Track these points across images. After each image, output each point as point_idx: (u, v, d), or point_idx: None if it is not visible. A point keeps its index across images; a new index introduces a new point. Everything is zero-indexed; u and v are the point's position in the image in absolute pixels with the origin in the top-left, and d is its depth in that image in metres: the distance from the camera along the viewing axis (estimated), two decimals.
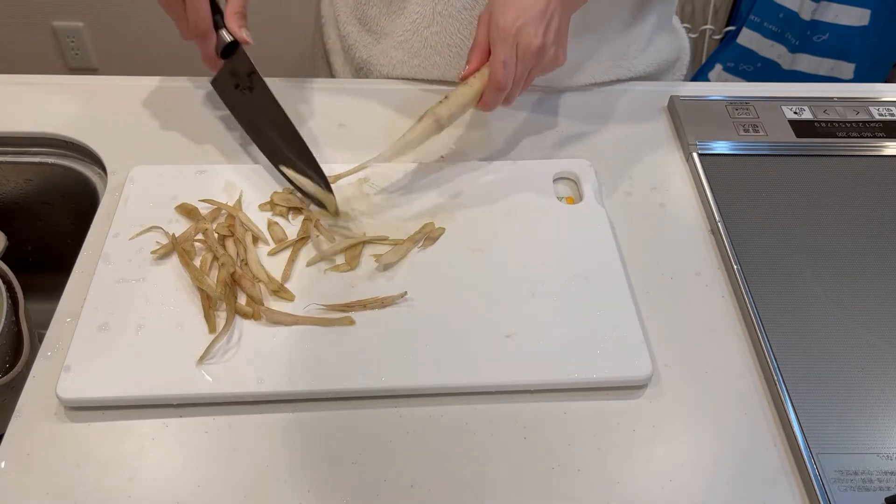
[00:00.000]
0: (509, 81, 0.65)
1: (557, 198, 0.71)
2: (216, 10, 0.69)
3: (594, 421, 0.56)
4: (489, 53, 0.66)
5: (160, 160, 0.72)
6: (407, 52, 0.81)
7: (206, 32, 0.69)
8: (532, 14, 0.64)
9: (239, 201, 0.68)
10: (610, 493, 0.52)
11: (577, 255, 0.65)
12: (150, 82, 0.82)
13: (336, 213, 0.67)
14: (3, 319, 0.64)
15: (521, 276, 0.63)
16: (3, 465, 0.52)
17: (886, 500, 0.51)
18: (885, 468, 0.53)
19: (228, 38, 0.71)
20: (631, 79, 0.86)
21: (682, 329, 0.62)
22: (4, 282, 0.68)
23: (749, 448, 0.55)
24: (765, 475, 0.53)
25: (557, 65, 0.68)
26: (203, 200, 0.67)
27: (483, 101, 0.67)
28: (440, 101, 0.67)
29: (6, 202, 0.80)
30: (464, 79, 0.67)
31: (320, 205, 0.67)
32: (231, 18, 0.70)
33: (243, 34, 0.71)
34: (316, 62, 0.96)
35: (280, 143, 0.70)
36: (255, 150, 0.75)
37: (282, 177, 0.69)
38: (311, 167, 0.68)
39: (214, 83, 0.74)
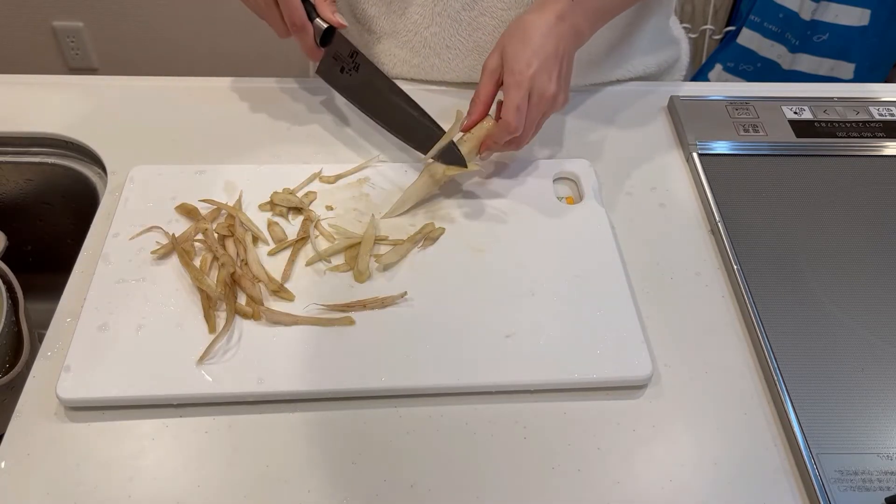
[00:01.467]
0: (521, 127, 0.66)
1: (557, 198, 0.71)
2: (305, 2, 0.71)
3: (594, 421, 0.56)
4: (489, 104, 0.68)
5: (160, 160, 0.72)
6: (408, 52, 0.81)
7: (303, 24, 0.70)
8: (545, 57, 0.65)
9: (239, 201, 0.68)
10: (610, 493, 0.52)
11: (578, 255, 0.65)
12: (150, 82, 0.82)
13: (465, 166, 0.68)
14: (3, 319, 0.64)
15: (521, 276, 0.63)
16: (3, 465, 0.52)
17: (886, 500, 0.51)
18: (885, 468, 0.53)
19: (325, 25, 0.71)
20: (631, 79, 0.86)
21: (682, 329, 0.62)
22: (4, 282, 0.68)
23: (749, 448, 0.55)
24: (765, 475, 0.53)
25: (563, 107, 0.69)
26: (203, 200, 0.67)
27: (486, 145, 0.68)
28: (434, 158, 0.69)
29: (6, 202, 0.80)
30: (466, 130, 0.68)
31: (454, 161, 0.68)
32: (323, 6, 0.72)
33: (338, 18, 0.72)
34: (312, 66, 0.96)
35: (399, 112, 0.72)
36: (256, 149, 0.75)
37: (279, 178, 0.70)
38: (430, 132, 0.69)
39: (320, 72, 0.75)
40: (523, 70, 0.64)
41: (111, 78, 0.83)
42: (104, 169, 0.73)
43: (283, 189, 0.69)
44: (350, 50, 0.73)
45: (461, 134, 0.69)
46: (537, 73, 0.64)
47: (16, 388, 0.58)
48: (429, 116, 0.70)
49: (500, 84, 0.68)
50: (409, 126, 0.71)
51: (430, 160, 0.69)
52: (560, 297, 0.62)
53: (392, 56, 0.82)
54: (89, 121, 0.77)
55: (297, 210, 0.68)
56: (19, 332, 0.67)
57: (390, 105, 0.72)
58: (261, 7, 0.71)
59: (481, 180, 0.72)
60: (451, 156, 0.68)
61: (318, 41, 0.72)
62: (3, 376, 0.63)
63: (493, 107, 0.68)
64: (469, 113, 0.68)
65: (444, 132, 0.68)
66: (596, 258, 0.65)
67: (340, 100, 0.81)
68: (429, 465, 0.53)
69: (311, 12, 0.71)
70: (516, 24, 0.67)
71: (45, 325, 0.60)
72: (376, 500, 0.51)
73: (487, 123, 0.68)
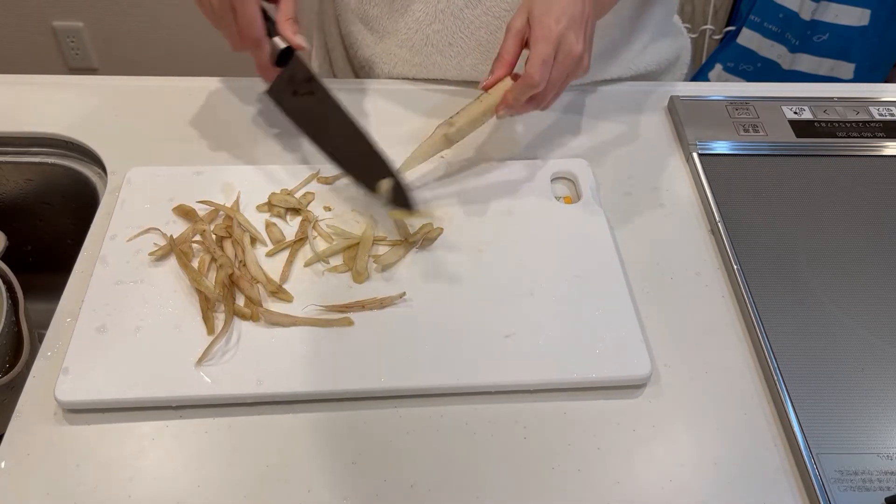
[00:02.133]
0: (544, 82, 0.64)
1: (555, 197, 0.71)
2: (266, 18, 0.68)
3: (594, 421, 0.56)
4: (514, 64, 0.66)
5: (160, 160, 0.72)
6: (409, 51, 0.81)
7: (259, 40, 0.66)
8: (573, 17, 0.63)
9: (237, 202, 0.68)
10: (610, 493, 0.52)
11: (576, 255, 0.65)
12: (150, 82, 0.82)
13: (410, 212, 0.65)
14: (3, 319, 0.64)
15: (520, 276, 0.63)
16: (3, 465, 0.52)
17: (886, 500, 0.51)
18: (885, 468, 0.53)
19: (283, 45, 0.68)
20: (631, 77, 0.86)
21: (682, 329, 0.62)
22: (4, 282, 0.68)
23: (749, 448, 0.55)
24: (765, 475, 0.53)
25: (585, 72, 0.67)
26: (201, 202, 0.67)
27: (505, 101, 0.65)
28: (451, 117, 0.67)
29: (6, 202, 0.80)
30: (486, 88, 0.67)
31: (402, 204, 0.66)
32: (284, 25, 0.68)
33: (298, 39, 0.69)
34: (314, 61, 0.96)
35: (346, 147, 0.69)
36: (254, 150, 0.75)
37: (277, 179, 0.70)
38: (381, 170, 0.66)
39: (270, 92, 0.71)
40: (552, 25, 0.62)
41: (111, 78, 0.83)
42: (104, 169, 0.73)
43: (282, 190, 0.69)
44: (307, 75, 0.70)
45: (480, 93, 0.67)
46: (566, 29, 0.62)
47: (16, 388, 0.58)
48: (379, 152, 0.67)
49: (523, 45, 0.66)
50: (355, 160, 0.68)
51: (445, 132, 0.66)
52: (559, 296, 0.62)
53: (393, 55, 0.82)
54: (89, 121, 0.77)
55: (296, 211, 0.68)
56: (19, 332, 0.67)
57: (339, 137, 0.69)
58: (215, 13, 0.66)
59: (479, 180, 0.72)
60: (402, 200, 0.65)
61: (274, 60, 0.69)
62: (3, 376, 0.63)
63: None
64: (491, 71, 0.66)
65: (394, 169, 0.66)
66: (594, 258, 0.65)
67: (342, 99, 0.81)
68: (429, 465, 0.53)
69: (272, 29, 0.68)
70: None
71: (45, 325, 0.60)
72: (376, 500, 0.51)
73: (507, 85, 0.66)
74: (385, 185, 0.65)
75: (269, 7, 0.69)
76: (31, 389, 0.56)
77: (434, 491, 0.52)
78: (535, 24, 0.63)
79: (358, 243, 0.64)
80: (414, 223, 0.66)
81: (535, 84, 0.63)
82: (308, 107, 0.70)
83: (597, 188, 0.72)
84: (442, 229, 0.66)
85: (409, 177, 0.71)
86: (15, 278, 0.69)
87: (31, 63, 2.01)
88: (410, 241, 0.65)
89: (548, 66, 0.63)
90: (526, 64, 0.64)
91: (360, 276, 0.62)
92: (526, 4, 0.65)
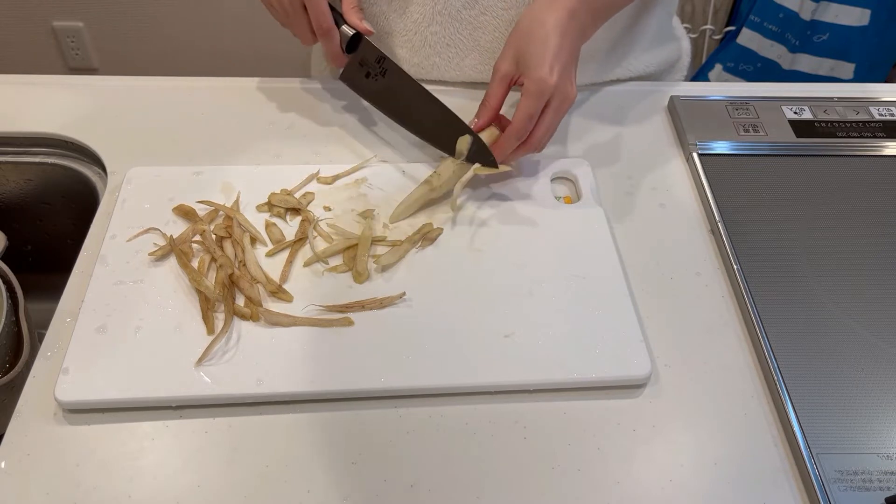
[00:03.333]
0: (526, 133, 0.66)
1: (555, 197, 0.71)
2: (332, 10, 0.71)
3: (594, 421, 0.56)
4: (498, 109, 0.68)
5: (160, 160, 0.73)
6: (408, 52, 0.81)
7: (330, 29, 0.71)
8: (565, 61, 0.64)
9: (236, 202, 0.68)
10: (610, 493, 0.52)
11: (576, 255, 0.65)
12: (150, 82, 0.82)
13: (496, 167, 0.68)
14: (3, 319, 0.64)
15: (520, 276, 0.63)
16: (3, 465, 0.52)
17: (886, 500, 0.51)
18: (885, 468, 0.53)
19: (351, 32, 0.72)
20: (631, 78, 0.86)
21: (682, 329, 0.62)
22: (4, 282, 0.68)
23: (749, 448, 0.55)
24: (765, 475, 0.53)
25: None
26: (200, 202, 0.67)
27: (496, 152, 0.68)
28: (435, 169, 0.69)
29: (6, 202, 0.80)
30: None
31: (485, 162, 0.68)
32: (350, 13, 0.73)
33: (365, 25, 0.73)
34: (314, 61, 0.96)
35: (425, 115, 0.72)
36: (254, 150, 0.75)
37: (277, 179, 0.70)
38: (460, 131, 0.69)
39: (343, 77, 0.75)
40: (547, 78, 0.63)
41: (111, 78, 0.83)
42: (104, 169, 0.73)
43: (281, 190, 0.69)
44: (377, 55, 0.73)
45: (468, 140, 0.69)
46: (560, 79, 0.64)
47: (16, 388, 0.58)
48: (456, 117, 0.70)
49: (509, 88, 0.68)
50: (437, 129, 0.71)
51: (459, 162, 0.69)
52: (559, 296, 0.62)
53: (392, 56, 0.82)
54: (89, 121, 0.77)
55: (295, 211, 0.68)
56: (19, 332, 0.67)
57: (416, 108, 0.72)
58: (287, 12, 0.71)
59: (478, 179, 0.72)
60: (483, 156, 0.68)
61: (343, 48, 0.73)
62: (3, 376, 0.63)
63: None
64: (477, 116, 0.69)
65: (471, 130, 0.69)
66: (594, 257, 0.65)
67: (339, 101, 0.81)
68: (429, 465, 0.53)
69: (338, 19, 0.72)
70: (529, 22, 0.66)
71: (45, 325, 0.60)
72: (376, 500, 0.51)
73: (494, 133, 0.69)
74: (463, 142, 0.68)
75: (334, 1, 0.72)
76: (31, 389, 0.56)
77: (434, 491, 0.52)
78: (529, 76, 0.65)
79: (357, 243, 0.64)
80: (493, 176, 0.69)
81: (520, 136, 0.66)
82: (382, 86, 0.74)
83: (597, 188, 0.72)
84: (441, 229, 0.66)
85: (406, 176, 0.71)
86: (15, 278, 0.69)
87: (31, 63, 2.01)
88: (410, 242, 0.65)
89: (533, 120, 0.65)
90: (515, 115, 0.66)
91: (360, 277, 0.62)
92: (513, 43, 0.67)
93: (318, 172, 0.71)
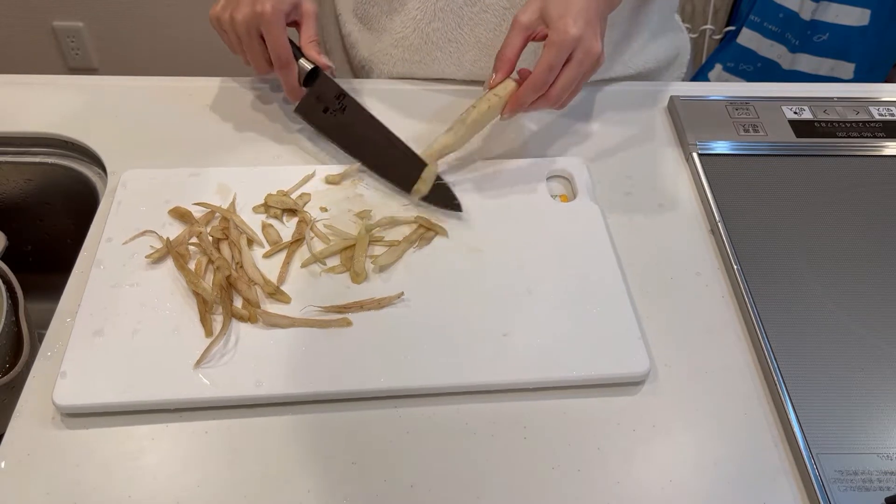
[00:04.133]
0: (547, 86, 0.64)
1: (551, 196, 0.71)
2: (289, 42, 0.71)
3: (594, 421, 0.56)
4: (515, 62, 0.65)
5: (160, 160, 0.72)
6: (407, 50, 0.81)
7: (289, 62, 0.70)
8: (589, 18, 0.63)
9: (233, 204, 0.67)
10: (610, 493, 0.52)
11: (572, 253, 0.65)
12: (150, 82, 0.82)
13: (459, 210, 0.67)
14: (3, 319, 0.64)
15: (517, 275, 0.63)
16: (3, 465, 0.52)
17: (886, 500, 0.51)
18: (885, 468, 0.53)
19: (309, 66, 0.72)
20: (631, 76, 0.86)
21: (683, 329, 0.62)
22: (4, 282, 0.68)
23: (749, 448, 0.55)
24: (765, 475, 0.53)
25: (600, 66, 0.66)
26: (197, 204, 0.67)
27: (511, 105, 0.66)
28: (462, 114, 0.68)
29: (6, 202, 0.80)
30: (491, 87, 0.67)
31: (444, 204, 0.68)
32: (308, 47, 0.72)
33: (324, 59, 0.72)
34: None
35: (383, 154, 0.71)
36: (254, 151, 0.75)
37: (274, 180, 0.70)
38: (420, 170, 0.68)
39: (299, 110, 0.74)
40: (570, 28, 0.62)
41: (111, 78, 0.83)
42: (104, 169, 0.73)
43: (277, 191, 0.69)
44: (337, 91, 0.73)
45: (485, 91, 0.67)
46: (584, 31, 0.62)
47: (16, 388, 0.58)
48: (413, 154, 0.70)
49: (528, 41, 0.66)
50: (392, 164, 0.70)
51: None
52: (556, 294, 0.62)
53: (392, 56, 0.82)
54: (89, 121, 0.77)
55: (292, 212, 0.68)
56: (19, 332, 0.67)
57: (375, 146, 0.72)
58: (241, 40, 0.70)
59: (475, 179, 0.72)
60: (442, 197, 0.68)
61: (301, 81, 0.72)
62: (3, 376, 0.63)
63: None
64: (494, 68, 0.66)
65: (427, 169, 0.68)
66: (591, 255, 0.65)
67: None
68: (429, 465, 0.53)
69: (295, 52, 0.71)
70: None
71: (45, 325, 0.60)
72: (376, 500, 0.51)
73: (510, 85, 0.66)
74: (422, 187, 0.67)
75: (291, 31, 0.72)
76: (31, 390, 0.56)
77: (434, 491, 0.52)
78: (553, 26, 0.63)
79: (355, 244, 0.64)
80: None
81: (539, 88, 0.64)
82: (340, 122, 0.73)
83: (593, 186, 0.72)
84: (444, 229, 0.66)
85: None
86: (15, 278, 0.69)
87: (31, 63, 2.01)
88: (408, 241, 0.65)
89: (554, 72, 0.63)
90: (535, 65, 0.64)
91: (358, 277, 0.62)
92: (537, 1, 0.65)
93: (313, 174, 0.71)
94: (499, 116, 0.68)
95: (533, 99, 0.65)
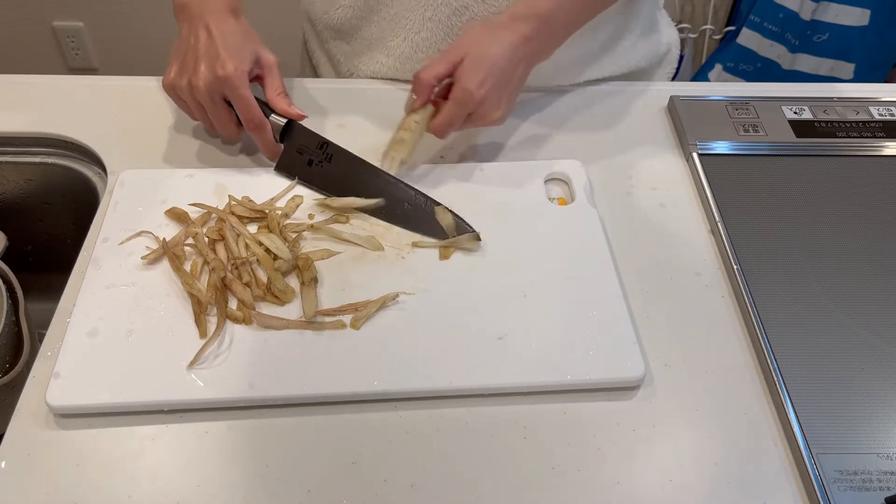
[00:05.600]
0: (445, 135, 0.68)
1: (549, 198, 0.71)
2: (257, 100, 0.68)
3: (594, 421, 0.56)
4: (432, 90, 0.67)
5: (160, 160, 0.72)
6: (397, 59, 0.81)
7: (262, 123, 0.67)
8: (498, 81, 0.65)
9: (228, 204, 0.67)
10: (610, 493, 0.52)
11: (569, 256, 0.65)
12: (150, 82, 0.82)
13: (474, 244, 0.65)
14: (3, 319, 0.64)
15: (513, 278, 0.63)
16: (3, 465, 0.52)
17: (886, 500, 0.51)
18: (885, 468, 0.53)
19: (283, 121, 0.69)
20: (623, 74, 0.86)
21: (682, 329, 0.62)
22: (4, 282, 0.68)
23: (749, 448, 0.55)
24: (765, 475, 0.53)
25: (498, 125, 0.69)
26: (193, 204, 0.67)
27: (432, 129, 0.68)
28: (396, 137, 0.69)
29: (6, 202, 0.80)
30: (410, 111, 0.68)
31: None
32: (277, 100, 0.69)
33: (295, 110, 0.69)
34: (305, 73, 0.96)
35: (386, 199, 0.68)
36: (253, 150, 0.75)
37: (272, 181, 0.70)
38: (428, 208, 0.67)
39: (280, 168, 0.70)
40: (474, 91, 0.64)
41: (111, 78, 0.83)
42: (104, 169, 0.73)
43: (243, 197, 0.68)
44: (318, 141, 0.70)
45: (406, 113, 0.69)
46: (487, 96, 0.64)
47: (16, 388, 0.58)
48: (421, 193, 0.68)
49: (448, 75, 0.67)
50: (402, 209, 0.67)
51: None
52: (552, 298, 0.62)
53: (380, 64, 0.82)
54: (89, 121, 0.77)
55: (260, 218, 0.66)
56: (19, 332, 0.67)
57: (375, 192, 0.68)
58: (208, 108, 0.67)
59: (473, 181, 0.71)
60: (464, 228, 0.66)
61: (278, 137, 0.70)
62: (3, 376, 0.63)
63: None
64: (416, 91, 0.67)
65: (440, 206, 0.67)
66: (587, 259, 0.65)
67: (339, 100, 0.81)
68: (429, 465, 0.53)
69: (264, 109, 0.68)
70: (485, 32, 0.66)
71: (45, 325, 0.60)
72: (376, 500, 0.51)
73: (430, 108, 0.68)
74: (446, 219, 0.66)
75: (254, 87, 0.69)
76: (31, 389, 0.56)
77: (434, 491, 0.52)
78: (458, 85, 0.65)
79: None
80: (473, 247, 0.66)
81: (437, 134, 0.67)
82: (330, 172, 0.69)
83: (591, 189, 0.72)
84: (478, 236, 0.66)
85: (399, 178, 0.71)
86: (15, 278, 0.69)
87: (31, 63, 2.01)
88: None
89: (453, 127, 0.66)
90: (438, 114, 0.67)
91: (284, 296, 0.60)
92: (465, 42, 0.66)
93: (296, 180, 0.70)
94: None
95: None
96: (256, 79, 0.70)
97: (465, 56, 0.65)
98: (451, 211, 0.67)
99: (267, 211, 0.66)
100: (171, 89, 0.68)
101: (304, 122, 0.71)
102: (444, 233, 0.66)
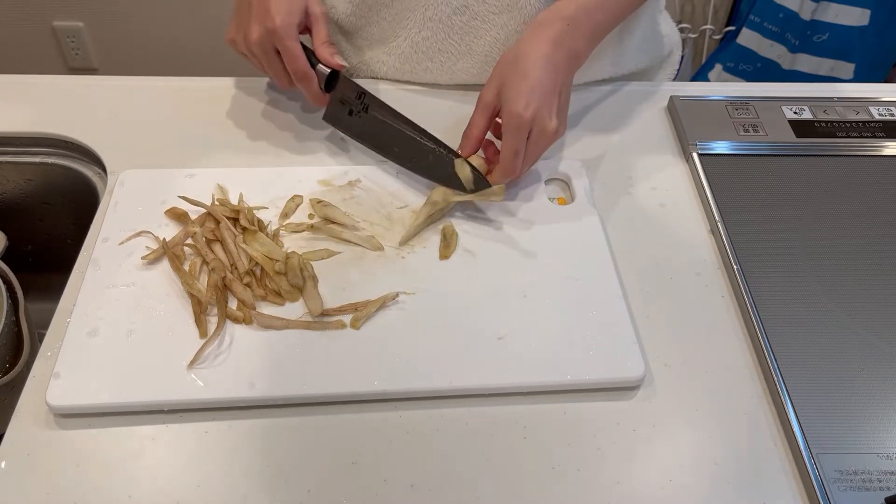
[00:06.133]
0: (518, 169, 0.66)
1: (549, 199, 0.71)
2: (305, 49, 0.70)
3: (594, 421, 0.56)
4: (482, 140, 0.67)
5: (160, 160, 0.72)
6: (398, 58, 0.81)
7: (307, 72, 0.70)
8: (543, 94, 0.64)
9: (223, 201, 0.67)
10: (610, 493, 0.52)
11: (569, 256, 0.65)
12: (150, 82, 0.82)
13: (499, 195, 0.66)
14: (3, 319, 0.64)
15: (513, 278, 0.63)
16: (3, 465, 0.52)
17: (886, 500, 0.51)
18: (885, 468, 0.53)
19: (327, 70, 0.71)
20: (625, 75, 0.86)
21: (682, 329, 0.62)
22: (4, 282, 0.68)
23: (749, 448, 0.55)
24: (765, 475, 0.53)
25: (560, 136, 0.68)
26: (182, 197, 0.66)
27: (492, 180, 0.67)
28: (431, 193, 0.68)
29: (6, 202, 0.80)
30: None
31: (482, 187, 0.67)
32: (321, 49, 0.71)
33: (338, 60, 0.71)
34: None
35: (413, 150, 0.70)
36: (253, 151, 0.75)
37: (271, 181, 0.70)
38: (451, 160, 0.68)
39: (327, 117, 0.74)
40: (522, 113, 0.63)
41: (111, 78, 0.83)
42: (104, 169, 0.73)
43: (218, 199, 0.67)
44: (357, 91, 0.72)
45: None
46: (537, 112, 0.64)
47: (16, 388, 0.58)
48: (445, 146, 0.69)
49: (494, 117, 0.67)
50: (427, 160, 0.69)
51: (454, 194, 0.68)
52: (552, 298, 0.62)
53: (382, 63, 0.82)
54: (89, 121, 0.77)
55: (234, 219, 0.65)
56: (19, 332, 0.67)
57: (402, 142, 0.70)
58: (262, 60, 0.70)
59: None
60: (480, 183, 0.67)
61: (322, 87, 0.72)
62: (3, 376, 0.63)
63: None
64: (461, 147, 0.68)
65: (459, 159, 0.68)
66: (588, 259, 0.65)
67: None
68: (429, 465, 0.53)
69: (312, 59, 0.70)
70: (512, 55, 0.66)
71: (45, 325, 0.60)
72: (376, 500, 0.51)
73: (477, 161, 0.68)
74: (463, 171, 0.67)
75: (304, 38, 0.71)
76: (31, 390, 0.56)
77: (434, 491, 0.52)
78: (505, 111, 0.65)
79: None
80: (493, 202, 0.67)
81: (510, 174, 0.66)
82: (366, 122, 0.72)
83: (591, 189, 0.72)
84: (454, 232, 0.66)
85: (400, 178, 0.71)
86: (15, 278, 0.69)
87: (31, 63, 2.01)
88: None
89: (520, 156, 0.65)
90: (501, 151, 0.66)
91: (290, 295, 0.61)
92: (497, 75, 0.66)
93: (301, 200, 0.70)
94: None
95: (507, 180, 0.67)
96: (306, 30, 0.72)
97: (503, 84, 0.65)
98: (469, 163, 0.67)
99: (242, 211, 0.65)
100: (231, 44, 0.72)
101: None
102: (463, 186, 0.67)
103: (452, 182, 0.67)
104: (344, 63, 0.71)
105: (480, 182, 0.67)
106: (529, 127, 0.64)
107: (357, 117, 0.72)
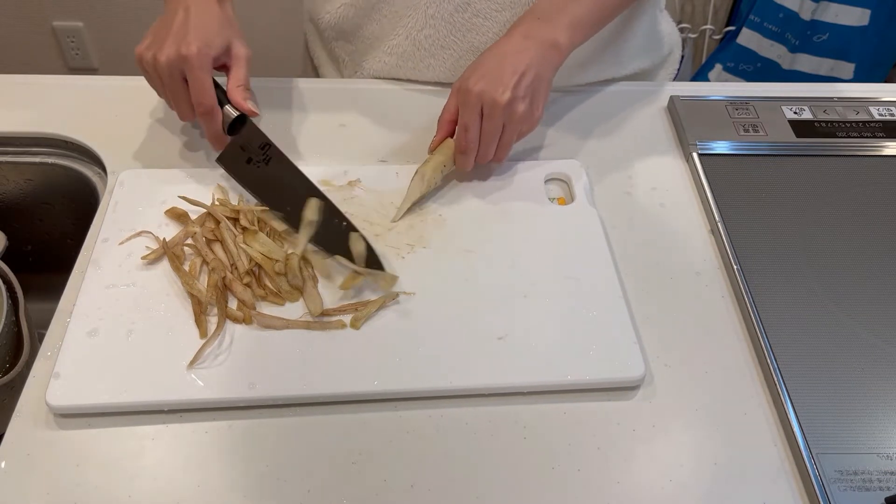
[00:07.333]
0: (473, 144, 0.67)
1: (549, 198, 0.71)
2: (216, 86, 0.67)
3: (594, 421, 0.56)
4: (453, 123, 0.69)
5: (160, 160, 0.72)
6: (400, 57, 0.81)
7: (212, 109, 0.66)
8: (498, 74, 0.65)
9: (222, 201, 0.67)
10: (610, 493, 0.52)
11: (569, 256, 0.65)
12: None
13: (388, 283, 0.62)
14: (3, 319, 0.64)
15: (513, 278, 0.63)
16: (3, 465, 0.52)
17: (886, 500, 0.51)
18: (885, 468, 0.53)
19: (235, 113, 0.68)
20: (626, 76, 0.86)
21: (682, 329, 0.62)
22: (4, 282, 0.68)
23: (749, 448, 0.55)
24: (765, 475, 0.53)
25: (532, 122, 0.68)
26: (182, 197, 0.66)
27: (458, 167, 0.70)
28: (424, 162, 0.69)
29: (6, 202, 0.80)
30: (431, 149, 0.70)
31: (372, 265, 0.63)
32: (235, 92, 0.68)
33: (250, 106, 0.68)
34: (306, 73, 0.96)
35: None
36: None
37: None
38: (346, 230, 0.64)
39: (221, 160, 0.68)
40: (471, 87, 0.65)
41: (111, 78, 0.83)
42: (104, 169, 0.73)
43: (218, 199, 0.67)
44: (262, 141, 0.68)
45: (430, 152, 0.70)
46: (485, 87, 0.64)
47: (16, 388, 0.58)
48: (342, 216, 0.65)
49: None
50: (322, 228, 0.64)
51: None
52: (552, 298, 0.62)
53: (382, 62, 0.82)
54: (89, 121, 0.77)
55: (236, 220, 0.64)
56: (19, 332, 0.67)
57: (300, 202, 0.65)
58: (167, 84, 0.66)
59: (473, 182, 0.71)
60: (371, 262, 0.63)
61: (226, 129, 0.68)
62: (3, 376, 0.63)
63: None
64: (437, 131, 0.70)
65: (356, 234, 0.64)
66: (588, 259, 0.65)
67: (340, 100, 0.81)
68: (429, 465, 0.53)
69: (221, 97, 0.67)
70: (487, 48, 0.68)
71: (45, 325, 0.60)
72: (376, 500, 0.51)
73: (450, 142, 0.69)
74: (357, 248, 0.62)
75: (220, 77, 0.68)
76: (31, 389, 0.56)
77: (434, 491, 0.52)
78: (454, 88, 0.67)
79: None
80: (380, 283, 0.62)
81: (462, 149, 0.67)
82: (263, 174, 0.68)
83: (591, 189, 0.72)
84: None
85: (400, 177, 0.71)
86: (15, 278, 0.69)
87: (31, 63, 2.01)
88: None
89: (471, 130, 0.66)
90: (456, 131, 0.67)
91: (291, 295, 0.61)
92: (471, 67, 0.68)
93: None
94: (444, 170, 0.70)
95: (467, 159, 0.68)
96: (223, 67, 0.69)
97: (469, 66, 0.67)
98: (365, 240, 0.63)
99: (242, 211, 0.65)
100: (138, 60, 0.68)
101: (273, 125, 0.71)
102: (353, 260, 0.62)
103: (344, 254, 0.62)
104: (256, 111, 0.68)
105: (373, 261, 0.62)
106: (478, 101, 0.65)
107: (255, 167, 0.68)
